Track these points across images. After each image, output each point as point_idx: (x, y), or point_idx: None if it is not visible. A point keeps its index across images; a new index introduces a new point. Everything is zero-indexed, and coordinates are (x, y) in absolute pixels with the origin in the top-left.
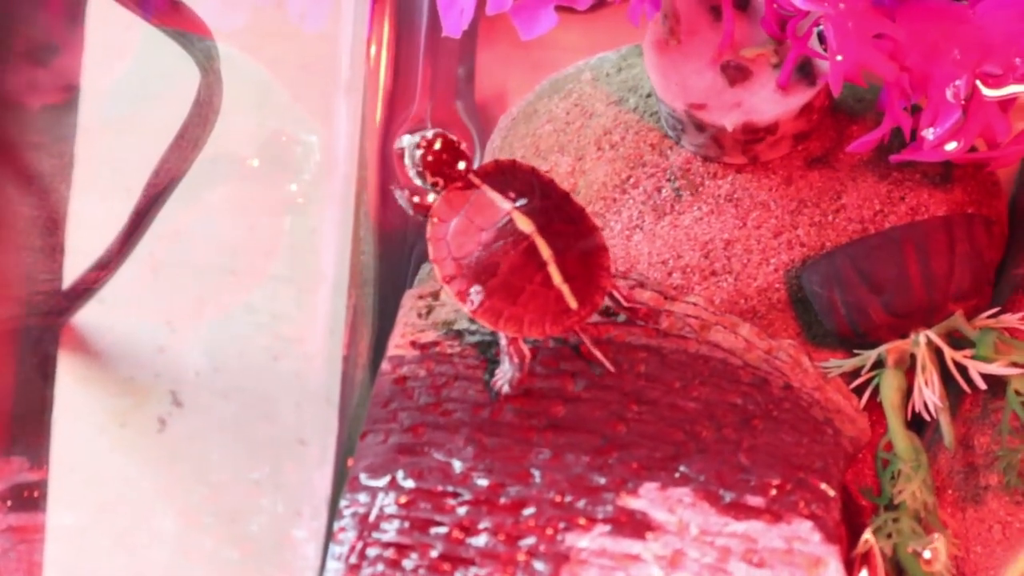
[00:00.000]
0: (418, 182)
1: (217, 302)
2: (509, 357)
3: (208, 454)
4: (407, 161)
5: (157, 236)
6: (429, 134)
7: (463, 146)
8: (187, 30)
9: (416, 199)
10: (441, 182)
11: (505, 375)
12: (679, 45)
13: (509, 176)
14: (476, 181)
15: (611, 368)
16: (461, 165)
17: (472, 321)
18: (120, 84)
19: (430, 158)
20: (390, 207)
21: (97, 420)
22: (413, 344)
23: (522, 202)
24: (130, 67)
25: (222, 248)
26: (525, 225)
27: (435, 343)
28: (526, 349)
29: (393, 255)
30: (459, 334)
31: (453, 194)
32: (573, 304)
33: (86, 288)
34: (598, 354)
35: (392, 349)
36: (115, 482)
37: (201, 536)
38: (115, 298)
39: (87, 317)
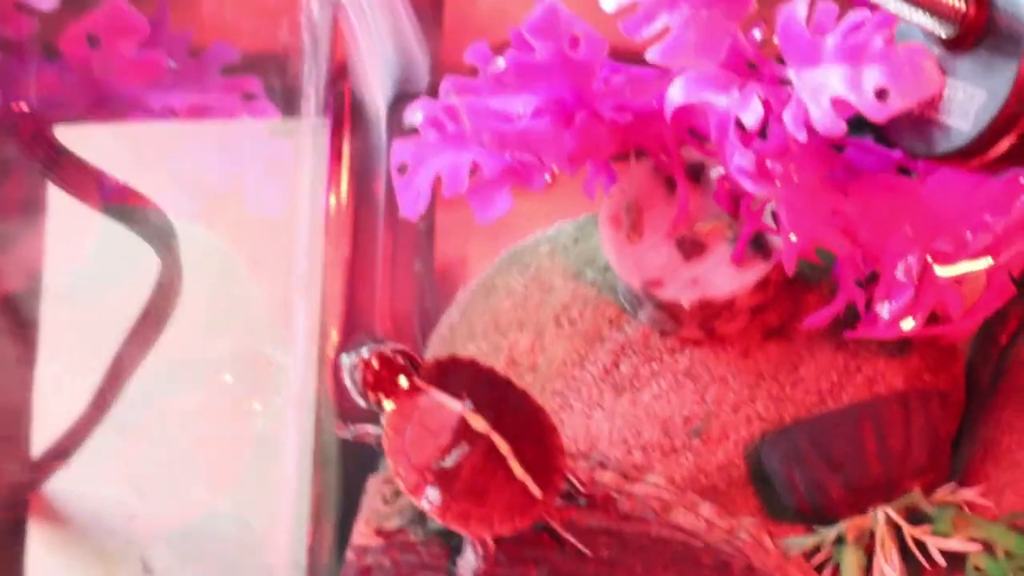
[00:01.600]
0: (362, 403)
1: (187, 473)
2: (473, 547)
3: None
4: (348, 383)
5: (127, 405)
6: (365, 353)
7: (400, 360)
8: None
9: (366, 429)
10: (383, 398)
11: (469, 565)
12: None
13: (452, 374)
14: (423, 387)
15: (587, 552)
16: (403, 381)
17: None
18: (82, 269)
19: (370, 378)
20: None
21: None
22: (378, 532)
23: (469, 402)
24: (92, 252)
25: (191, 419)
26: (479, 424)
27: (400, 531)
28: (490, 539)
29: None
30: (424, 521)
31: (403, 403)
32: (537, 493)
33: (56, 457)
34: (571, 538)
35: (357, 537)
36: None
37: None
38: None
39: (58, 486)
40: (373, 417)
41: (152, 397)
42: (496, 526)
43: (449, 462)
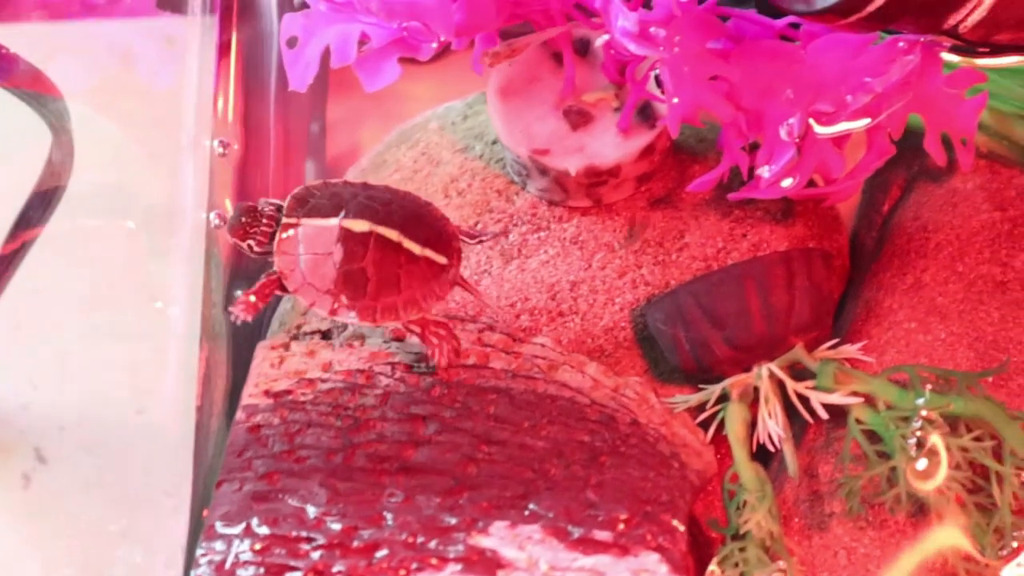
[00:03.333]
0: (250, 253)
1: (78, 358)
2: (431, 339)
3: (71, 508)
4: (237, 242)
5: (17, 293)
6: (229, 213)
7: (268, 209)
8: (39, 91)
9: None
10: (262, 240)
11: (439, 354)
12: (519, 91)
13: (315, 199)
14: (292, 222)
15: (489, 304)
16: (265, 224)
17: (324, 370)
18: None
19: (239, 230)
20: (242, 260)
21: None
22: (267, 393)
23: (343, 213)
24: None
25: (81, 304)
26: (360, 226)
27: (288, 391)
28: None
29: None
30: (311, 382)
31: (283, 244)
32: (443, 260)
33: None
34: (477, 291)
35: (246, 398)
36: None
37: None
38: None
39: None
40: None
41: (43, 284)
42: (422, 304)
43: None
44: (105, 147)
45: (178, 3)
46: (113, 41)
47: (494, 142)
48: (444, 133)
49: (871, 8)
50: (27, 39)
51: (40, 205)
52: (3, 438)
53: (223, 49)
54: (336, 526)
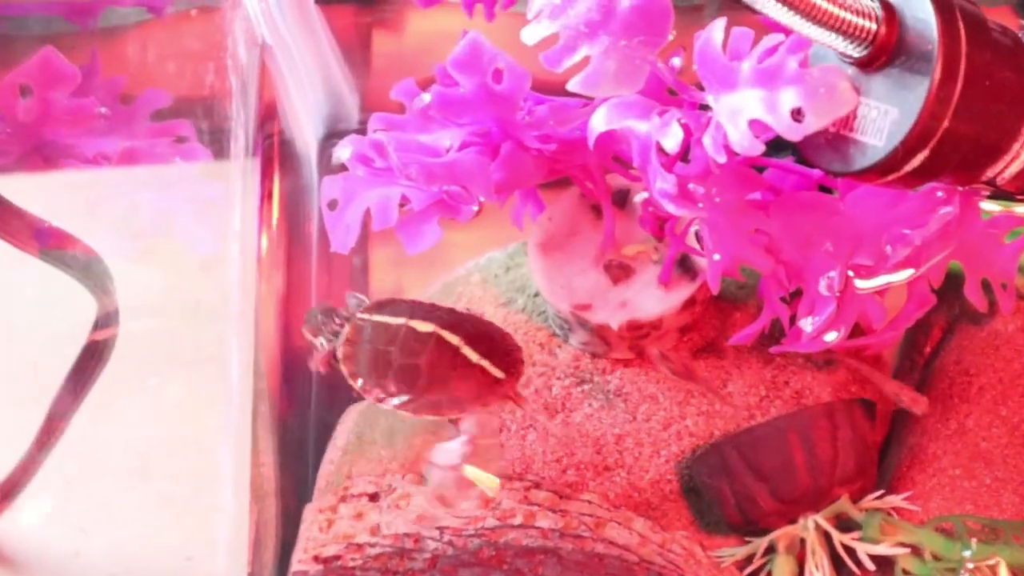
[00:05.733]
0: (319, 349)
1: (129, 508)
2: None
3: None
4: (310, 338)
5: (69, 443)
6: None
7: (346, 306)
8: (77, 253)
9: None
10: (331, 338)
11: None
12: (559, 246)
13: (392, 304)
14: (365, 317)
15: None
16: (338, 323)
17: (372, 534)
18: (20, 314)
19: (315, 328)
20: (289, 417)
21: None
22: (316, 559)
23: (412, 314)
24: (31, 297)
25: (132, 454)
26: (425, 327)
27: (337, 556)
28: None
29: (294, 465)
30: (360, 547)
31: (352, 331)
32: (499, 374)
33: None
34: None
35: (295, 564)
36: None
37: None
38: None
39: (1, 526)
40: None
41: (93, 437)
42: (466, 406)
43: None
44: (149, 294)
45: (221, 147)
46: (154, 192)
47: (536, 295)
48: (487, 287)
49: (909, 167)
50: (65, 188)
51: (92, 361)
52: None
53: (266, 195)
54: None
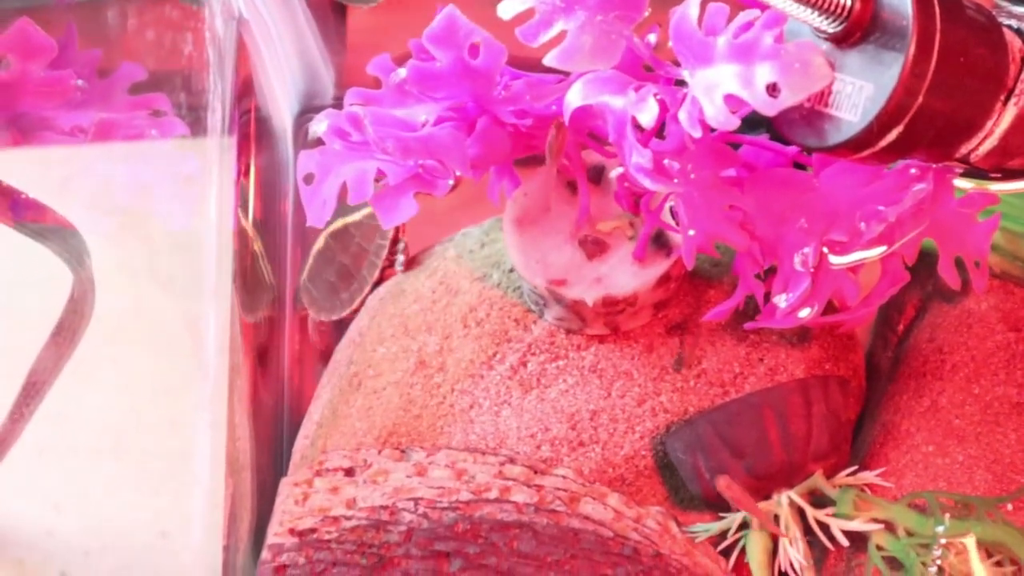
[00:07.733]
0: None
1: (103, 483)
2: None
3: None
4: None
5: (42, 419)
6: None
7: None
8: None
9: None
10: None
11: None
12: (534, 221)
13: None
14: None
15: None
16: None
17: (348, 507)
18: None
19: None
20: (264, 391)
21: None
22: (292, 531)
23: None
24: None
25: (106, 430)
26: None
27: (312, 530)
28: None
29: (269, 440)
30: (335, 519)
31: None
32: None
33: None
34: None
35: (271, 537)
36: None
37: None
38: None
39: None
40: None
41: (67, 412)
42: None
43: None
44: (125, 272)
45: (198, 121)
46: (130, 166)
47: (511, 270)
48: (462, 261)
49: (883, 143)
50: (41, 162)
51: (63, 341)
52: (28, 564)
53: (242, 171)
54: None
